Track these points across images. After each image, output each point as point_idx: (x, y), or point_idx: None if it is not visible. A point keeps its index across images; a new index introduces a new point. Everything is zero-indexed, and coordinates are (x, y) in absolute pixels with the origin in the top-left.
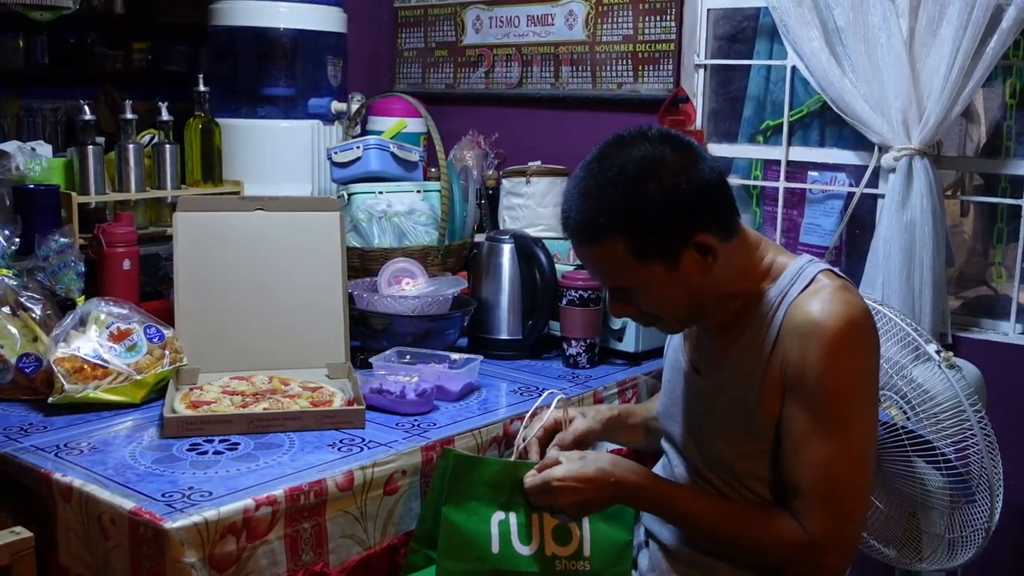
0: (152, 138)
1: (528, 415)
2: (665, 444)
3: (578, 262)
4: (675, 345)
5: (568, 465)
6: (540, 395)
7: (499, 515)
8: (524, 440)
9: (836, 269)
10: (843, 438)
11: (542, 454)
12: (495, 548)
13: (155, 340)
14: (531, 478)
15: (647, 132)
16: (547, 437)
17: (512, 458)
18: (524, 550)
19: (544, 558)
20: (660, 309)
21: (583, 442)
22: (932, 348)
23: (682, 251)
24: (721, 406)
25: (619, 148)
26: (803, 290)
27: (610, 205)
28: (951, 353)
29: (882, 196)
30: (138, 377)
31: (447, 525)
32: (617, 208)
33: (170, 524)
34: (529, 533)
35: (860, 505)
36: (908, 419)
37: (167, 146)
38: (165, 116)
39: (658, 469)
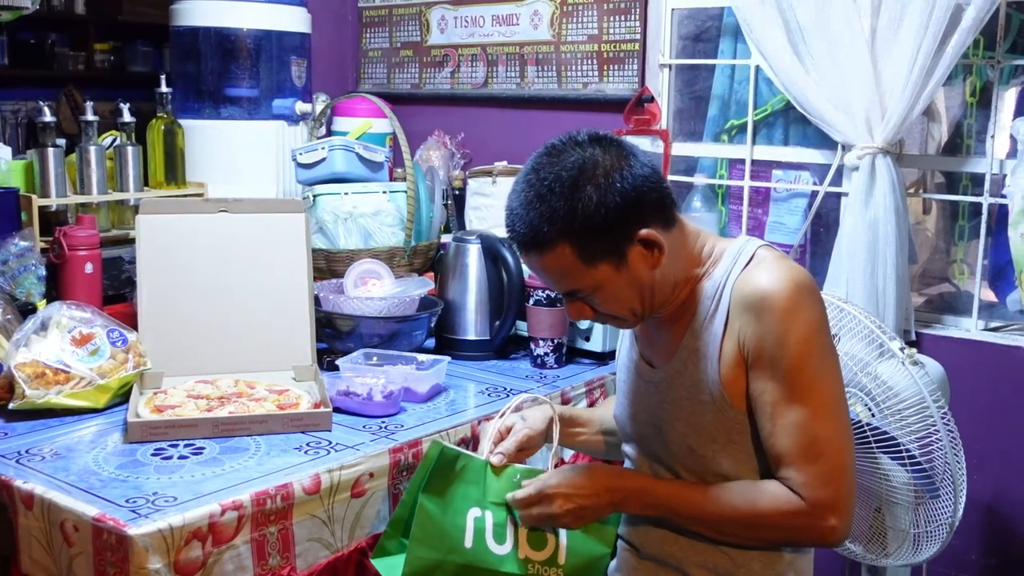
0: (114, 140)
1: (496, 426)
2: (627, 448)
3: None
4: (626, 346)
5: (559, 474)
6: (507, 396)
7: (475, 512)
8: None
9: (773, 244)
10: (814, 397)
11: None
12: (468, 543)
13: (118, 344)
14: (521, 491)
15: (577, 137)
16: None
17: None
18: (497, 549)
19: (516, 560)
20: (615, 307)
21: (527, 447)
22: (896, 345)
23: (628, 248)
24: (680, 392)
25: (552, 156)
26: (746, 266)
27: (552, 213)
28: (915, 350)
29: (846, 194)
30: (101, 382)
31: (422, 512)
32: (559, 215)
33: (134, 530)
34: (504, 533)
35: (846, 457)
36: (873, 416)
37: (129, 148)
38: (127, 117)
39: None
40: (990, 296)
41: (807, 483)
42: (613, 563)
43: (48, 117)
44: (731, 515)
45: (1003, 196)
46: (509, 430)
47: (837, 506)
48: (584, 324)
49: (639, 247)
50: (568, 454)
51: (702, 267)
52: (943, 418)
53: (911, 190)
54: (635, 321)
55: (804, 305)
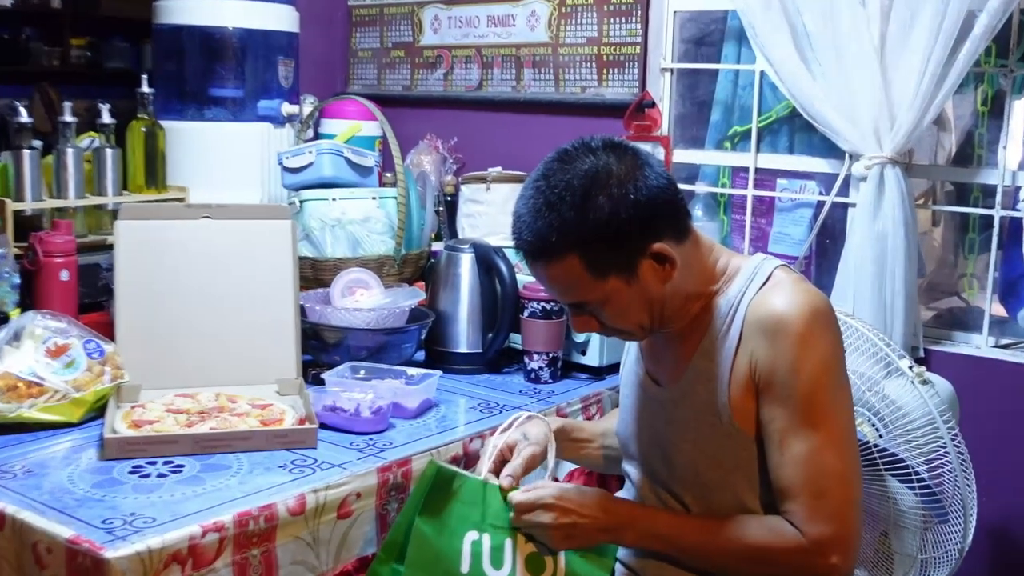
0: (92, 141)
1: (492, 443)
2: (627, 466)
3: None
4: (631, 360)
5: (562, 487)
6: (500, 411)
7: (473, 535)
8: (479, 466)
9: (791, 265)
10: (825, 428)
11: None
12: (465, 568)
13: (95, 356)
14: (522, 494)
15: (590, 143)
16: (497, 471)
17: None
18: (494, 574)
19: None
20: (623, 322)
21: (532, 465)
22: (904, 363)
23: (639, 262)
24: (685, 414)
25: (564, 163)
26: (761, 287)
27: (561, 223)
28: (924, 368)
29: (853, 205)
30: (76, 395)
31: (418, 536)
32: (569, 225)
33: (111, 553)
34: (501, 557)
35: (854, 494)
36: (880, 436)
37: (108, 150)
38: (106, 118)
39: (622, 495)
40: (1001, 312)
41: (810, 518)
42: None
43: (23, 118)
44: (730, 550)
45: (1016, 208)
46: (511, 448)
47: (840, 544)
48: (581, 337)
49: (651, 261)
50: (565, 468)
51: (715, 284)
52: (953, 439)
53: (920, 201)
54: (643, 335)
55: (821, 332)
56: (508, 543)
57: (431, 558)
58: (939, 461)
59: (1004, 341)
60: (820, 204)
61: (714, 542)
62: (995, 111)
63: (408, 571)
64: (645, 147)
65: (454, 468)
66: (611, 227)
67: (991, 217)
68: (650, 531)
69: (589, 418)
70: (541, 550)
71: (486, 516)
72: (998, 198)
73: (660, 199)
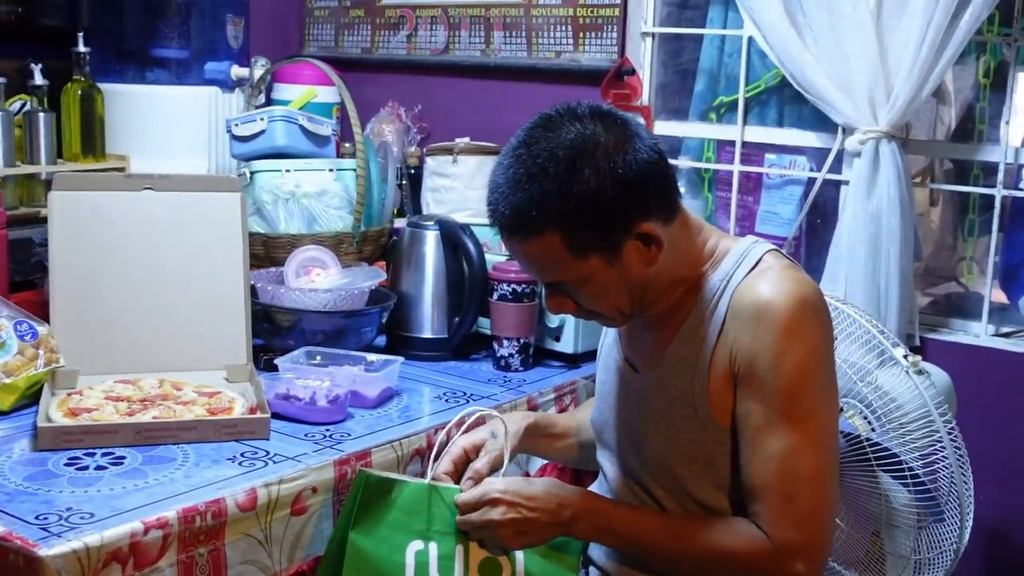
0: (23, 105)
1: (439, 442)
2: (601, 457)
3: None
4: (608, 343)
5: (510, 480)
6: (467, 401)
7: (417, 544)
8: (435, 468)
9: (783, 250)
10: (803, 428)
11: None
12: None
13: (27, 338)
14: (467, 493)
15: (576, 110)
16: (459, 472)
17: (428, 479)
18: None
19: None
20: (601, 304)
21: (499, 468)
22: (899, 352)
23: (623, 242)
24: (661, 404)
25: (547, 130)
26: (749, 272)
27: (543, 196)
28: (919, 357)
29: (846, 183)
30: (7, 381)
31: (354, 552)
32: (550, 199)
33: (45, 551)
34: (451, 567)
35: (827, 501)
36: (872, 430)
37: (41, 114)
38: (39, 80)
39: (595, 488)
40: (1001, 298)
41: (777, 522)
42: None
43: None
44: (690, 551)
45: (1019, 188)
46: (476, 449)
47: (807, 551)
48: (554, 322)
49: (636, 242)
50: (537, 462)
51: (702, 266)
52: (949, 433)
53: (917, 179)
54: (621, 321)
55: (808, 324)
56: (459, 550)
57: (370, 574)
58: (934, 456)
59: (1004, 329)
60: (811, 181)
61: (674, 542)
62: (998, 83)
63: None
64: None
65: (389, 475)
66: (595, 204)
67: (992, 197)
68: (604, 525)
69: (563, 409)
70: (494, 552)
71: (432, 523)
72: (1000, 177)
73: (649, 175)
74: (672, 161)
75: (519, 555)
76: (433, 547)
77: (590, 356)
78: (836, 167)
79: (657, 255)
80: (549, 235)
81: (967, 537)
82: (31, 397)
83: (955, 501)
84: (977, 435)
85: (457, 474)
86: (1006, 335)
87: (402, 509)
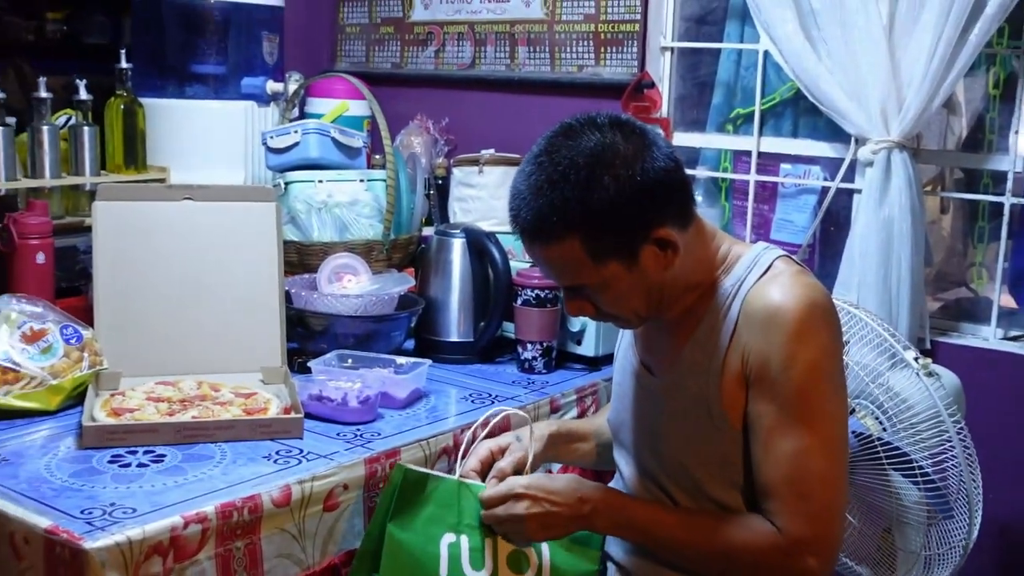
0: (69, 119)
1: (465, 441)
2: (618, 456)
3: None
4: (625, 346)
5: (534, 476)
6: (492, 402)
7: (450, 537)
8: (461, 466)
9: (795, 257)
10: (814, 428)
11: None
12: (443, 571)
13: (72, 341)
14: (492, 489)
15: (596, 119)
16: (484, 471)
17: (457, 475)
18: (475, 575)
19: None
20: (619, 307)
21: (522, 469)
22: (910, 354)
23: (641, 247)
24: (677, 405)
25: (568, 138)
26: (760, 277)
27: (563, 203)
28: (929, 360)
29: (859, 191)
30: (54, 382)
31: (392, 543)
32: (570, 206)
33: (90, 544)
34: (482, 558)
35: (838, 499)
36: (884, 430)
37: (86, 128)
38: (83, 95)
39: (612, 486)
40: (1010, 303)
41: (790, 519)
42: None
43: None
44: (704, 546)
45: None
46: (502, 450)
47: (818, 547)
48: (576, 326)
49: (653, 247)
50: (557, 464)
51: (715, 272)
52: (959, 433)
53: (928, 188)
54: (638, 323)
55: (817, 328)
56: (488, 543)
57: (407, 565)
58: (944, 455)
59: (1013, 333)
60: (824, 190)
61: (690, 536)
62: (1007, 95)
63: None
64: None
65: (424, 470)
66: (614, 210)
67: (1001, 205)
68: (623, 519)
69: (584, 410)
70: (519, 544)
71: (463, 517)
72: (1009, 185)
73: (666, 182)
74: (690, 171)
75: (544, 547)
76: (465, 540)
77: (610, 359)
78: (849, 176)
79: (674, 259)
80: (569, 241)
81: (976, 534)
82: (76, 398)
83: (964, 499)
84: (986, 435)
85: (483, 473)
86: (1015, 338)
87: (436, 503)
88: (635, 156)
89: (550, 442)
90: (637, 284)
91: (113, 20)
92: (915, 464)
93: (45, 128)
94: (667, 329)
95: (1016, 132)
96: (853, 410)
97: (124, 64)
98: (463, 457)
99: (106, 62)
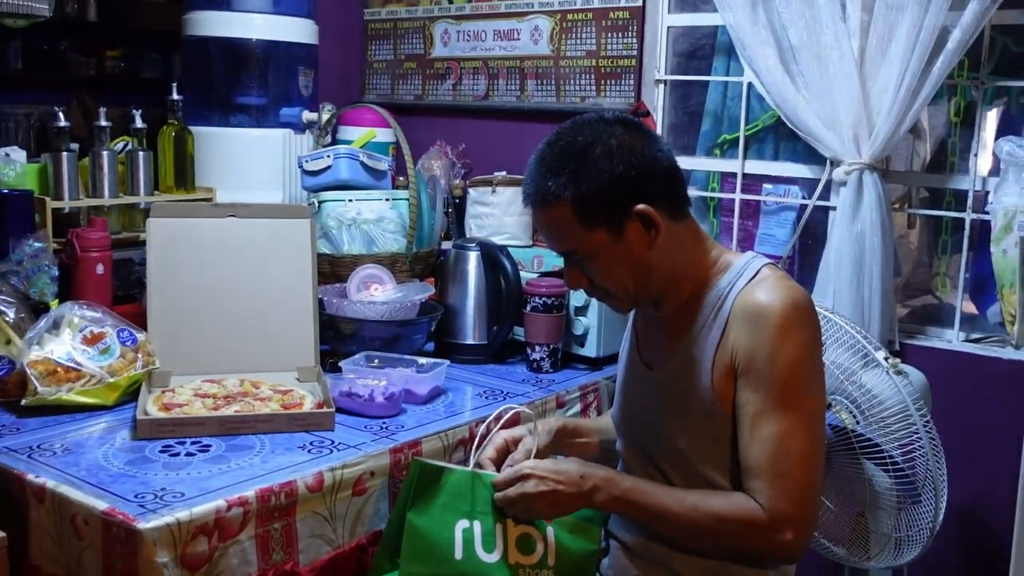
0: (126, 145)
1: (479, 434)
2: (621, 447)
3: (542, 270)
4: (627, 348)
5: (537, 460)
6: (504, 398)
7: (463, 523)
8: (478, 455)
9: (777, 263)
10: (795, 414)
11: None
12: (458, 555)
13: (128, 343)
14: (502, 473)
15: (604, 114)
16: (500, 459)
17: (471, 466)
18: (487, 557)
19: (507, 566)
20: (609, 280)
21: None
22: (881, 355)
23: (626, 221)
24: (674, 396)
25: (575, 125)
26: (749, 281)
27: (560, 171)
28: (899, 360)
29: (833, 208)
30: (111, 380)
31: (411, 529)
32: (565, 173)
33: (143, 524)
34: (493, 542)
35: (815, 478)
36: (858, 423)
37: (141, 153)
38: (139, 123)
39: None
40: (971, 309)
41: (771, 496)
42: (606, 560)
43: (62, 122)
44: (692, 517)
45: (986, 212)
46: (516, 441)
47: (796, 522)
48: (580, 330)
49: (637, 223)
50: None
51: (707, 274)
52: (925, 426)
53: (896, 205)
54: (628, 303)
55: (799, 325)
56: (499, 528)
57: (425, 549)
58: (912, 446)
59: (974, 336)
60: (803, 207)
61: (681, 509)
62: (967, 121)
63: (404, 563)
64: None
65: (439, 463)
66: (603, 179)
67: (963, 220)
68: (620, 494)
69: (587, 406)
70: (531, 519)
71: (476, 504)
72: (969, 202)
73: (657, 168)
74: None
75: (550, 529)
76: (478, 525)
77: (611, 359)
78: (825, 195)
79: (655, 239)
80: (561, 205)
81: (941, 517)
82: (131, 394)
83: (931, 486)
84: (950, 428)
85: (499, 460)
86: (975, 341)
87: (450, 492)
88: (632, 141)
89: (557, 436)
90: (623, 257)
91: (165, 57)
92: (886, 454)
93: (105, 153)
94: (664, 327)
95: (975, 155)
96: (830, 405)
97: (175, 96)
98: (478, 447)
99: (159, 94)
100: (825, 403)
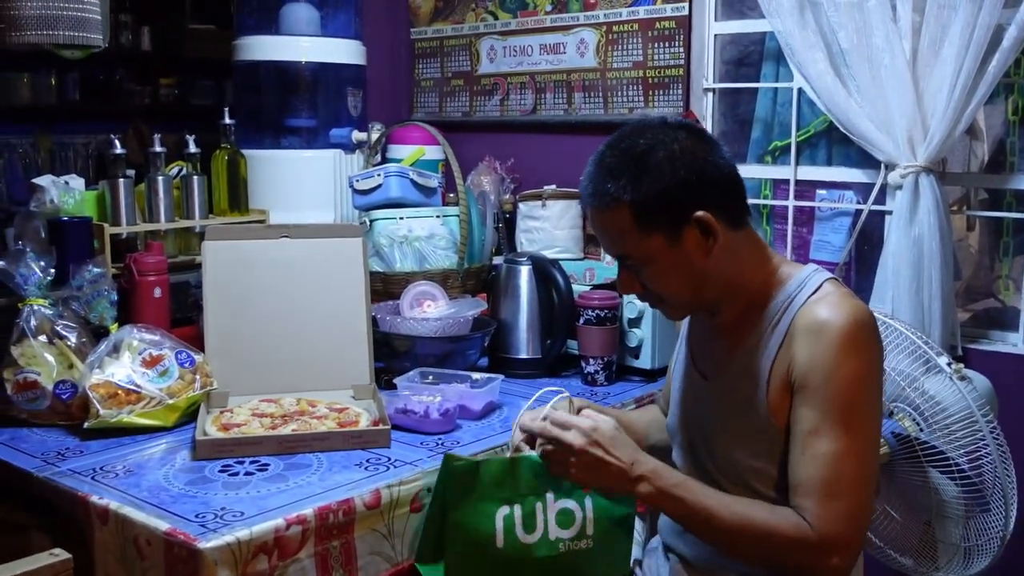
0: (180, 170)
1: (523, 411)
2: (676, 456)
3: (594, 282)
4: (681, 356)
5: (605, 424)
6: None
7: (504, 510)
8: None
9: (836, 274)
10: (850, 435)
11: None
12: (500, 543)
13: (186, 365)
14: (575, 418)
15: (667, 119)
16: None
17: (509, 453)
18: (528, 538)
19: (548, 542)
20: (663, 287)
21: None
22: (943, 360)
23: (684, 227)
24: (729, 407)
25: (638, 128)
26: (810, 296)
27: (620, 172)
28: (961, 365)
29: (889, 212)
30: (170, 401)
31: (453, 525)
32: (625, 176)
33: (204, 544)
34: (533, 522)
35: (867, 503)
36: (921, 431)
37: (195, 177)
38: (192, 148)
39: None
40: None
41: (823, 517)
42: (665, 572)
43: (119, 149)
44: (738, 525)
45: None
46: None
47: (845, 547)
48: (633, 342)
49: (695, 230)
50: None
51: (766, 285)
52: (992, 431)
53: (954, 207)
54: (681, 311)
55: (861, 344)
56: (539, 506)
57: (469, 546)
58: (979, 453)
59: None
60: (858, 212)
61: (724, 512)
62: None
63: (450, 558)
64: None
65: (468, 458)
66: (663, 183)
67: None
68: (665, 488)
69: None
70: (563, 486)
71: (517, 488)
72: None
73: (717, 175)
74: None
75: (588, 503)
76: (518, 509)
77: (666, 371)
78: (880, 199)
79: (713, 247)
80: (620, 208)
81: (1012, 525)
82: (190, 415)
83: (999, 493)
84: (1018, 434)
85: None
86: None
87: (488, 483)
88: (693, 146)
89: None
90: (679, 264)
91: (217, 84)
92: (952, 462)
93: (160, 179)
94: (721, 336)
95: None
96: (891, 413)
97: (227, 121)
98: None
99: (212, 120)
100: (881, 426)
